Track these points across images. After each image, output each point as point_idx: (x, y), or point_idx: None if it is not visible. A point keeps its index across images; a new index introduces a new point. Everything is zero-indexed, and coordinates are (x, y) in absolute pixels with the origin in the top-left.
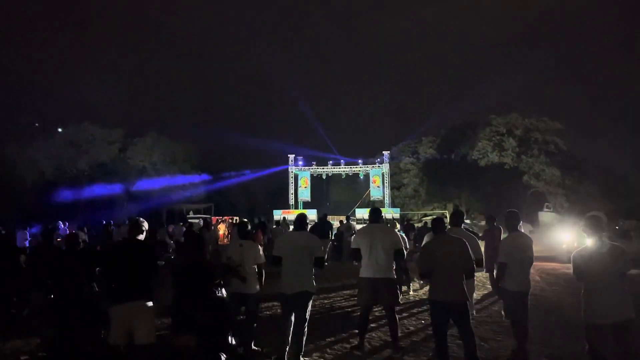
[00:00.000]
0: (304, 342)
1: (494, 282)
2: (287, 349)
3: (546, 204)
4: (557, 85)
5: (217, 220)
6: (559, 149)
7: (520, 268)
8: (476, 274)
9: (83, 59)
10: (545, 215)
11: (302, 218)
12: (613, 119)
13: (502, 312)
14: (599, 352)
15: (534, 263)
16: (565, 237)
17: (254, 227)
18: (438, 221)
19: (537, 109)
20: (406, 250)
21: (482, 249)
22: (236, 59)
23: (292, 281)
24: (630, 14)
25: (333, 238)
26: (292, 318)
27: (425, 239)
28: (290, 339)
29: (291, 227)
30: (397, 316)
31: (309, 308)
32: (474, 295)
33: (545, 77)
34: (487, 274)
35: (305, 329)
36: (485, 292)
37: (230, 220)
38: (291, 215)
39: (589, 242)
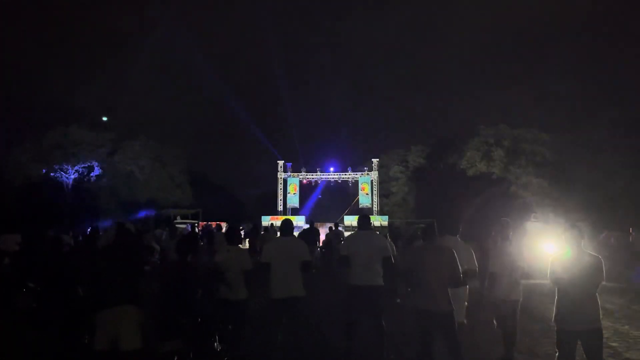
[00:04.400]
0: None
1: (485, 290)
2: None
3: (533, 214)
4: (545, 96)
5: (204, 225)
6: (547, 159)
7: (511, 277)
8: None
9: (71, 61)
10: (532, 226)
11: (288, 223)
12: (600, 130)
13: (494, 321)
14: (567, 358)
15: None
16: (549, 249)
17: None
18: (428, 228)
19: (525, 120)
20: (393, 258)
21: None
22: (226, 65)
23: (281, 286)
24: (622, 26)
25: (321, 245)
26: (282, 324)
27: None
28: (281, 344)
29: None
30: (383, 323)
31: (302, 313)
32: (466, 303)
33: (534, 88)
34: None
35: (301, 334)
36: (478, 300)
37: (215, 226)
38: (279, 221)
39: (569, 250)
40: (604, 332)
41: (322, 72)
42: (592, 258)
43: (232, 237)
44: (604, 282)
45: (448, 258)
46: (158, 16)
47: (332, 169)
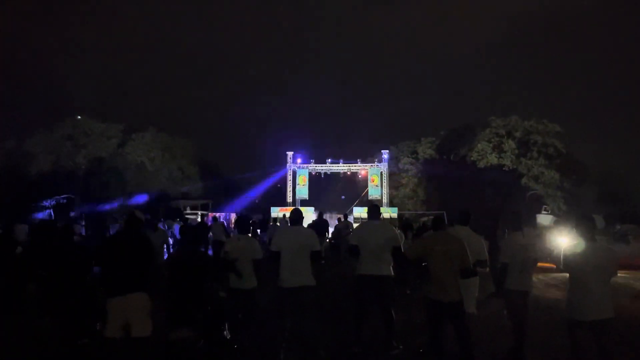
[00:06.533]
0: (314, 334)
1: (496, 281)
2: (286, 344)
3: (544, 206)
4: (557, 87)
5: (214, 217)
6: (559, 151)
7: (523, 268)
8: (480, 273)
9: (82, 54)
10: (543, 218)
11: (297, 213)
12: (613, 123)
13: (505, 312)
14: (579, 349)
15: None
16: (562, 241)
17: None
18: (438, 219)
19: (537, 111)
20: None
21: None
22: (236, 58)
23: (290, 275)
24: (634, 17)
25: (330, 236)
26: (291, 313)
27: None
28: (290, 333)
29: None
30: (393, 313)
31: (311, 302)
32: (476, 294)
33: (546, 79)
34: (490, 273)
35: (310, 323)
36: (488, 291)
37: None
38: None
39: (582, 242)
40: (615, 323)
41: (333, 64)
42: (605, 249)
43: (242, 226)
44: (616, 275)
45: (458, 248)
46: (169, 9)
47: (341, 160)
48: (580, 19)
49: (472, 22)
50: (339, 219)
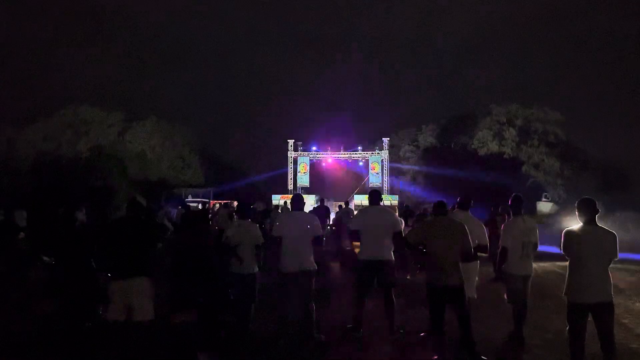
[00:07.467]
0: (314, 319)
1: (497, 265)
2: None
3: (544, 193)
4: (558, 75)
5: (214, 204)
6: (559, 139)
7: (523, 252)
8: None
9: (83, 41)
10: (543, 205)
11: (298, 198)
12: (614, 111)
13: (505, 296)
14: (578, 332)
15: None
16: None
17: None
18: (439, 204)
19: (538, 99)
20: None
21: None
22: (237, 48)
23: (291, 260)
24: (636, 5)
25: (331, 223)
26: (292, 298)
27: None
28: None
29: None
30: (394, 298)
31: (312, 287)
32: (476, 278)
33: (547, 67)
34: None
35: (313, 307)
36: (488, 275)
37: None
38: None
39: (582, 225)
40: (615, 309)
41: (334, 53)
42: (606, 233)
43: (243, 212)
44: (617, 258)
45: (459, 232)
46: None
47: (342, 147)
48: (582, 7)
49: (474, 8)
50: (339, 206)
